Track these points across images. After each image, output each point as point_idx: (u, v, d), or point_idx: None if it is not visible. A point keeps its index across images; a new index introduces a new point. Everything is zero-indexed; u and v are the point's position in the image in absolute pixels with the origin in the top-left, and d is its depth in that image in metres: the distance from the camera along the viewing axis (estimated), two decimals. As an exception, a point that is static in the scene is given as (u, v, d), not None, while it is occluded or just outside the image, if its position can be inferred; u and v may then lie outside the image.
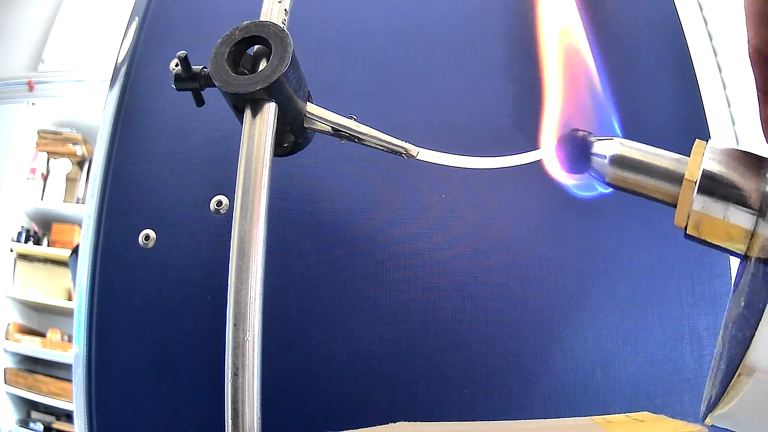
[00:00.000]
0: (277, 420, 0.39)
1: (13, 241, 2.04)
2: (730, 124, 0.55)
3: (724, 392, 0.20)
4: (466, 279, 0.43)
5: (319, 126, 0.31)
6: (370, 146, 0.31)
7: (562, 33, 0.34)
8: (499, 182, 0.45)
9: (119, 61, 0.51)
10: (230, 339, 0.25)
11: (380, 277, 0.43)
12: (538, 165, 0.31)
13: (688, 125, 0.50)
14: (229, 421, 0.24)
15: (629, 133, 0.25)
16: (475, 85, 0.49)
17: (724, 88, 0.56)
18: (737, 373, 0.19)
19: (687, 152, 0.23)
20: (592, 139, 0.25)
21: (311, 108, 0.31)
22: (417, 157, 0.30)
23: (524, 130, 0.41)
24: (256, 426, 0.24)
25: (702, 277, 0.45)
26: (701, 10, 0.58)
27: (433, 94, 0.48)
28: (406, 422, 0.28)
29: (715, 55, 0.57)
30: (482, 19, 0.51)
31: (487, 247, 0.44)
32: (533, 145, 0.31)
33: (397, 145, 0.31)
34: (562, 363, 0.42)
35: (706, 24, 0.57)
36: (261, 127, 0.28)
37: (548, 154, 0.30)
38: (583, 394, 0.42)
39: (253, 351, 0.25)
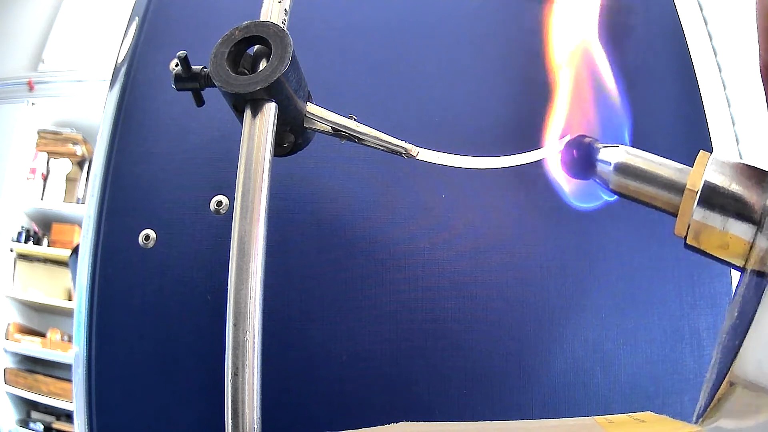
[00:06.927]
0: (277, 420, 0.39)
1: (13, 241, 2.04)
2: (730, 124, 0.55)
3: (712, 401, 0.20)
4: (466, 279, 0.43)
5: (319, 126, 0.31)
6: (370, 146, 0.31)
7: (572, 35, 0.34)
8: (500, 182, 0.45)
9: (119, 61, 0.51)
10: (230, 339, 0.25)
11: (380, 277, 0.43)
12: (538, 165, 0.31)
13: (688, 125, 0.50)
14: (229, 421, 0.24)
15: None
16: (475, 85, 0.49)
17: (724, 88, 0.56)
18: (725, 382, 0.19)
19: (688, 154, 0.23)
20: (598, 145, 0.25)
21: (311, 108, 0.31)
22: (417, 157, 0.30)
23: (524, 130, 0.41)
24: (256, 426, 0.24)
25: (702, 277, 0.45)
26: (701, 10, 0.58)
27: (433, 94, 0.48)
28: (408, 422, 0.28)
29: (715, 55, 0.57)
30: (482, 19, 0.51)
31: (487, 247, 0.44)
32: (533, 145, 0.31)
33: (397, 145, 0.31)
34: (562, 363, 0.42)
35: (706, 24, 0.57)
36: (261, 127, 0.28)
37: (548, 154, 0.30)
38: (583, 394, 0.42)
39: (253, 351, 0.25)
